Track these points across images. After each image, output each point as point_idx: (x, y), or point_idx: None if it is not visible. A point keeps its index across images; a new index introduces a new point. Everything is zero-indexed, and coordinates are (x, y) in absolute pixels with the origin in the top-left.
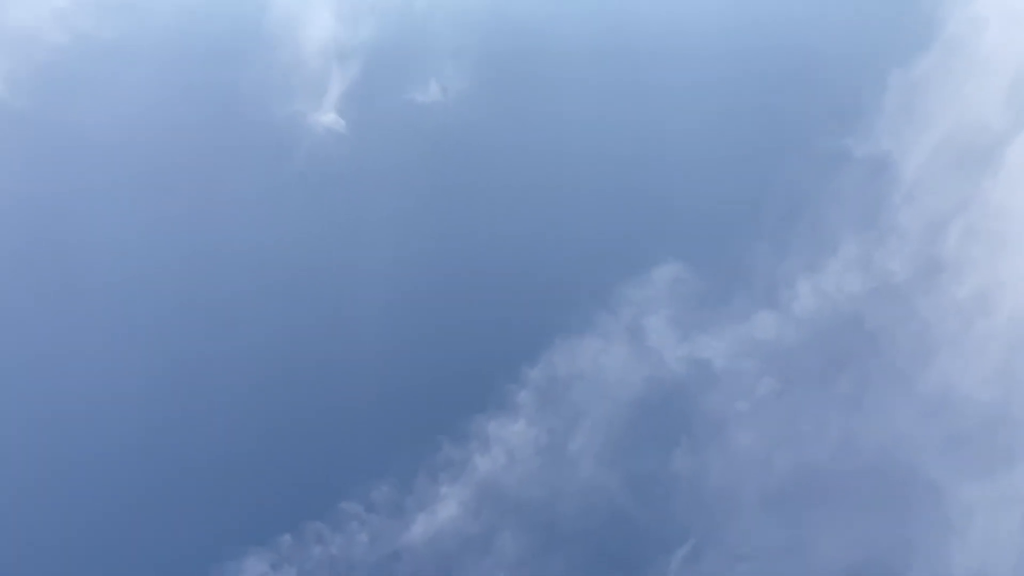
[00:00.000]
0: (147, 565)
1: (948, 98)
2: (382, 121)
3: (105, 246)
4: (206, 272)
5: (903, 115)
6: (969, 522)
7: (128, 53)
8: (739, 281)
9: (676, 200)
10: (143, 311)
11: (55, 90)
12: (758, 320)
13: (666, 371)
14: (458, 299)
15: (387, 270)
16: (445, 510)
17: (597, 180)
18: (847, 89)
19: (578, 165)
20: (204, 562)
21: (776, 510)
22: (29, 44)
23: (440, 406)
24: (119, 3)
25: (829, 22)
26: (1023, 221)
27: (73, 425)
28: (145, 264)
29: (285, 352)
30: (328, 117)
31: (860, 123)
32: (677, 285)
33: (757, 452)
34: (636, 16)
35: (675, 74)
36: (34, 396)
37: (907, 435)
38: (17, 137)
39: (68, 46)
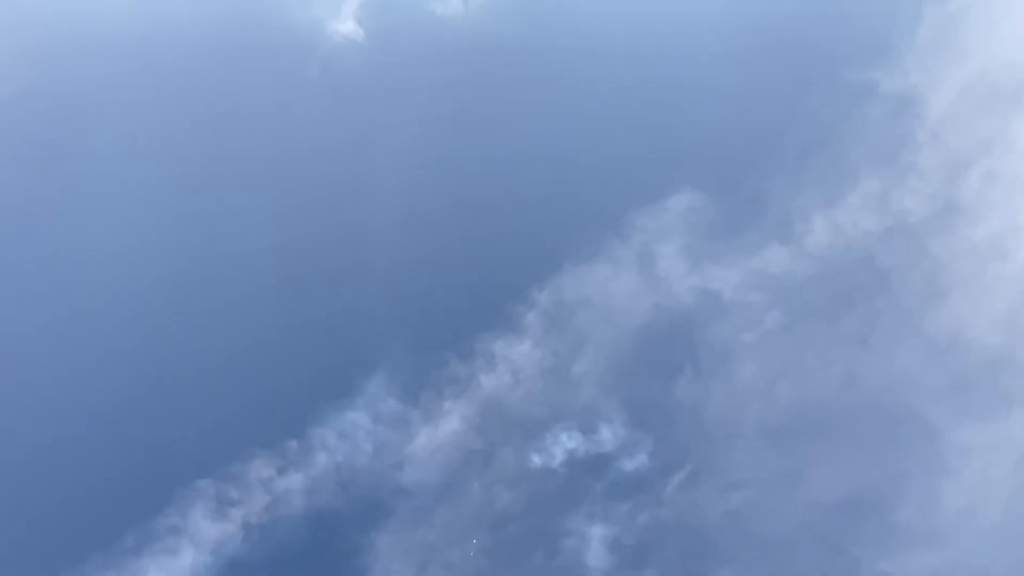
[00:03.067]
0: (158, 464)
1: (982, 35)
2: (401, 31)
3: (118, 146)
4: (220, 178)
5: (935, 50)
6: (963, 463)
7: None
8: (754, 213)
9: (697, 128)
10: (158, 209)
11: None
12: (770, 253)
13: (674, 300)
14: (469, 217)
15: (400, 184)
16: (448, 424)
17: (618, 104)
18: (879, 20)
19: (599, 88)
20: (212, 462)
21: (774, 441)
22: None
23: (448, 323)
24: None
25: None
26: None
27: (87, 324)
28: (159, 168)
29: (296, 259)
30: (346, 25)
31: (890, 56)
32: (691, 214)
33: (760, 384)
34: None
35: (703, 1)
36: (48, 298)
37: (910, 375)
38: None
39: None
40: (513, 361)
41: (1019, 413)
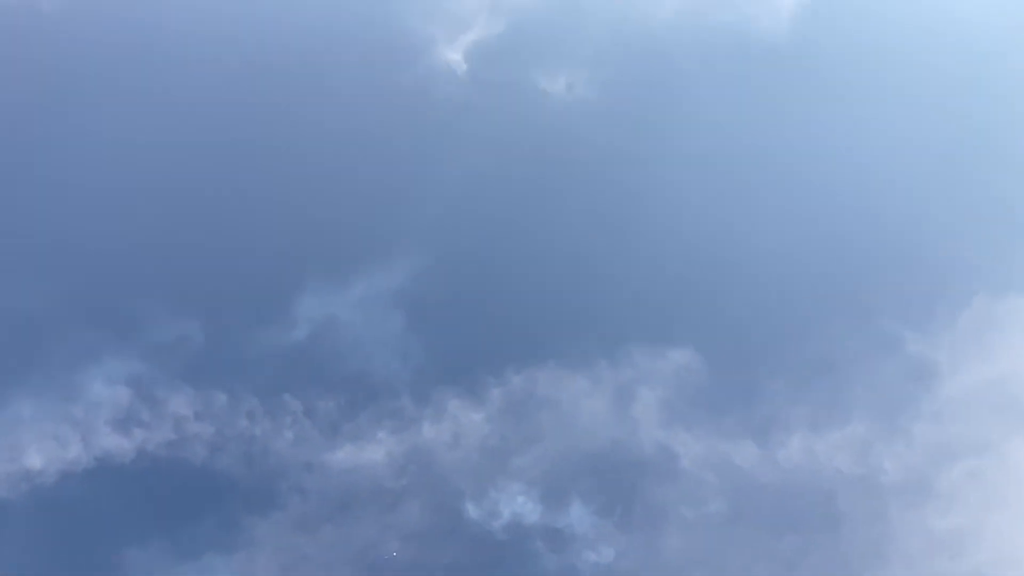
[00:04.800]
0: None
1: (1018, 345)
2: (500, 84)
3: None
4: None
5: (969, 339)
6: None
7: None
8: (743, 402)
9: (728, 302)
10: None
11: None
12: (741, 446)
13: (633, 444)
14: (492, 276)
15: (440, 221)
16: (371, 453)
17: (669, 233)
18: (931, 287)
19: (668, 209)
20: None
21: None
22: None
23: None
24: None
25: (940, 206)
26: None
27: None
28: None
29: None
30: (454, 55)
31: (928, 324)
32: (685, 374)
33: (679, 559)
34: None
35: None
36: None
37: None
38: None
39: None
40: (461, 425)
41: None
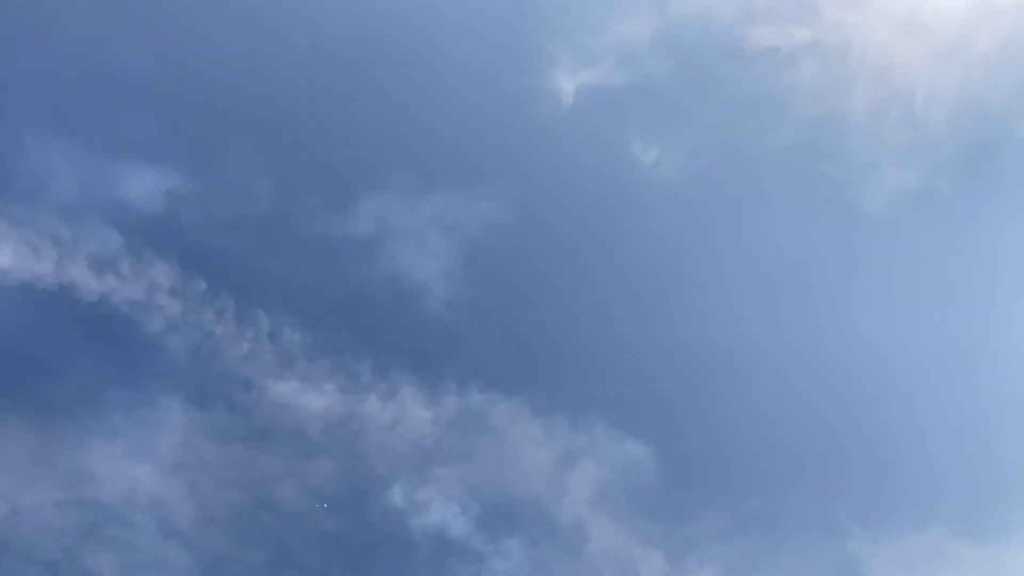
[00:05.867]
0: None
1: None
2: (594, 130)
3: None
4: None
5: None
6: None
7: None
8: (676, 517)
9: (720, 417)
10: None
11: None
12: (651, 557)
13: (554, 506)
14: (509, 301)
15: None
16: (311, 399)
17: (689, 334)
18: (895, 498)
19: (698, 309)
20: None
21: None
22: None
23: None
24: None
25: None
26: None
27: None
28: None
29: None
30: (567, 85)
31: (877, 530)
32: (633, 466)
33: None
34: None
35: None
36: None
37: None
38: None
39: None
40: (406, 415)
41: None
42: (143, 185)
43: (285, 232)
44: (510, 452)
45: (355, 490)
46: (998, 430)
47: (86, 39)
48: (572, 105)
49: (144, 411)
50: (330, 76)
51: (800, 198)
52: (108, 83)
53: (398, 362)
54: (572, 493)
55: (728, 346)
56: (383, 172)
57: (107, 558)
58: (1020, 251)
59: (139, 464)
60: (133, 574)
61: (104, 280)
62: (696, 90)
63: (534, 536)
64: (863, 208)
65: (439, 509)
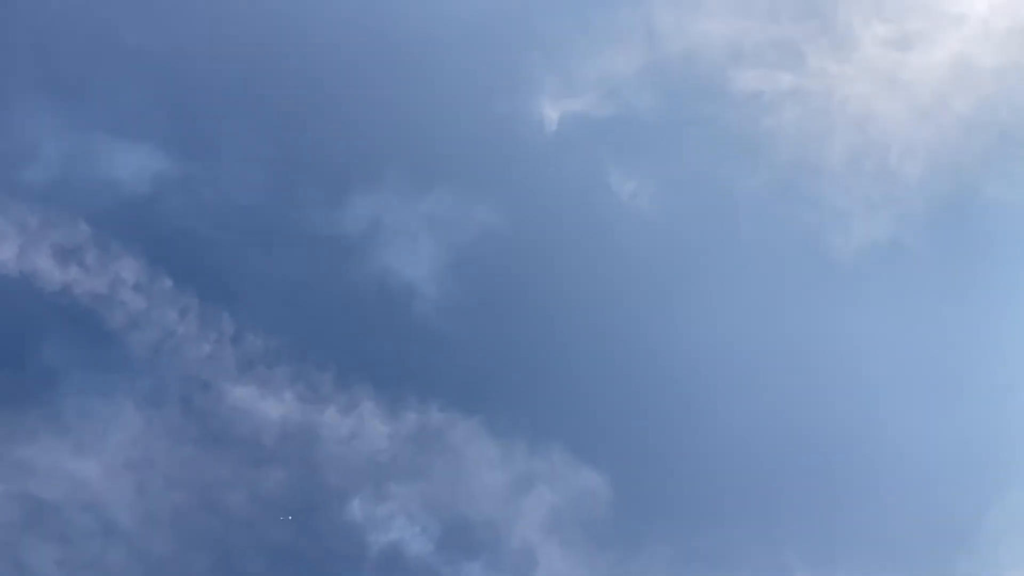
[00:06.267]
0: None
1: None
2: (574, 160)
3: None
4: None
5: None
6: None
7: None
8: (624, 551)
9: (686, 456)
10: None
11: None
12: None
13: (504, 530)
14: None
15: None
16: (268, 406)
17: (659, 373)
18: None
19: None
20: None
21: None
22: None
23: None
24: None
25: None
26: None
27: None
28: None
29: None
30: (551, 112)
31: None
32: (588, 496)
33: None
34: None
35: None
36: None
37: None
38: None
39: None
40: (364, 428)
41: None
42: (130, 164)
43: (266, 229)
44: (465, 474)
45: (305, 501)
46: (950, 477)
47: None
48: (555, 131)
49: (97, 406)
50: (334, 74)
51: (772, 240)
52: (104, 50)
53: (360, 375)
54: (524, 518)
55: (691, 383)
56: (372, 173)
57: (45, 553)
58: (983, 306)
59: (86, 460)
60: (71, 572)
61: (67, 270)
62: (678, 127)
63: (484, 559)
64: (833, 254)
65: (391, 525)
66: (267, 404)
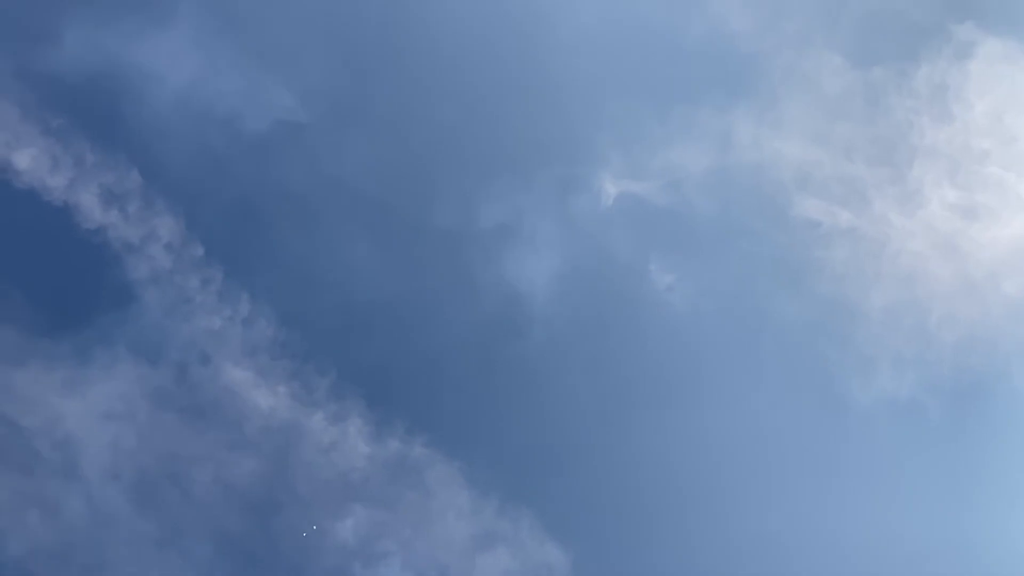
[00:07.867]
0: None
1: None
2: (619, 239)
3: None
4: None
5: None
6: None
7: None
8: None
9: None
10: None
11: None
12: None
13: None
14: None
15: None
16: (259, 398)
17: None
18: None
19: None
20: None
21: None
22: None
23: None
24: None
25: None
26: None
27: None
28: None
29: None
30: (609, 187)
31: None
32: (545, 568)
33: None
34: None
35: None
36: None
37: None
38: None
39: None
40: (346, 444)
41: None
42: (223, 134)
43: (315, 225)
44: (432, 515)
45: (268, 497)
46: None
47: None
48: (610, 207)
49: (96, 351)
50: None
51: (791, 370)
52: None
53: (356, 389)
54: (476, 574)
55: (688, 488)
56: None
57: (2, 479)
58: (995, 488)
59: (70, 399)
60: (18, 503)
61: (108, 213)
62: (729, 235)
63: None
64: (850, 399)
65: (344, 544)
66: (259, 393)
